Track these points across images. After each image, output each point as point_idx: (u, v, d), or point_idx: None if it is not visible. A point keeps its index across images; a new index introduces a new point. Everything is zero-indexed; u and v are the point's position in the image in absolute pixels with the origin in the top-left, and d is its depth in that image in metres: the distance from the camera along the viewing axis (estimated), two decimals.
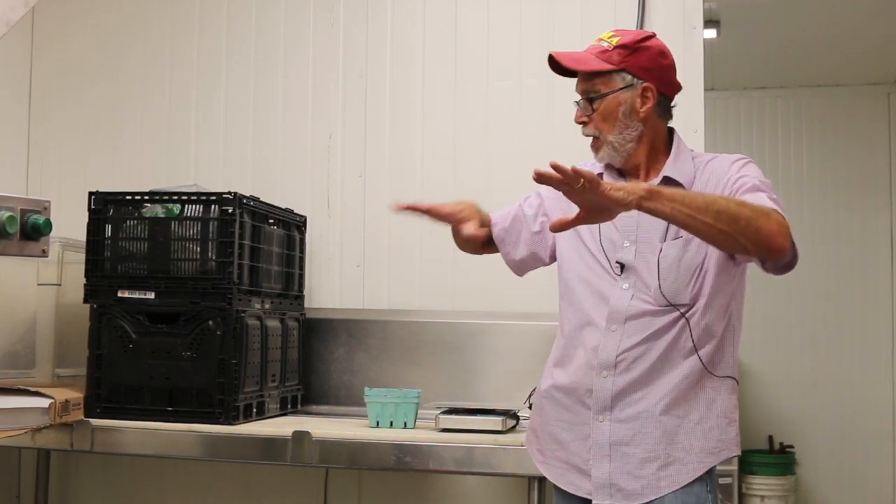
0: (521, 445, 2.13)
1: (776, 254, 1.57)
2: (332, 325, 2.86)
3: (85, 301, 2.46)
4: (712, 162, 1.79)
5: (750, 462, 5.00)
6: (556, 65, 1.82)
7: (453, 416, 2.32)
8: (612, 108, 1.77)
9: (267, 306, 2.59)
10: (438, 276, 2.88)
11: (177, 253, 2.43)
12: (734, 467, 4.82)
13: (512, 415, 2.35)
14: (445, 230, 2.89)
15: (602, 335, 1.75)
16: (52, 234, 2.05)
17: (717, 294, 1.72)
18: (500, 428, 2.26)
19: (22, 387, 2.32)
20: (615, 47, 1.76)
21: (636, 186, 1.51)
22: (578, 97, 1.83)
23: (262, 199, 2.61)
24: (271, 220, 2.70)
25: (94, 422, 2.36)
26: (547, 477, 1.85)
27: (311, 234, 2.93)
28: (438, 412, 2.35)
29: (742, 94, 5.30)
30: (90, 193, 2.50)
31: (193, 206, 2.45)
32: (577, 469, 1.77)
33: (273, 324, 2.63)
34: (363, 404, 2.44)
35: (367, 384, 2.59)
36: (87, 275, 2.46)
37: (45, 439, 2.35)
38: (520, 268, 2.00)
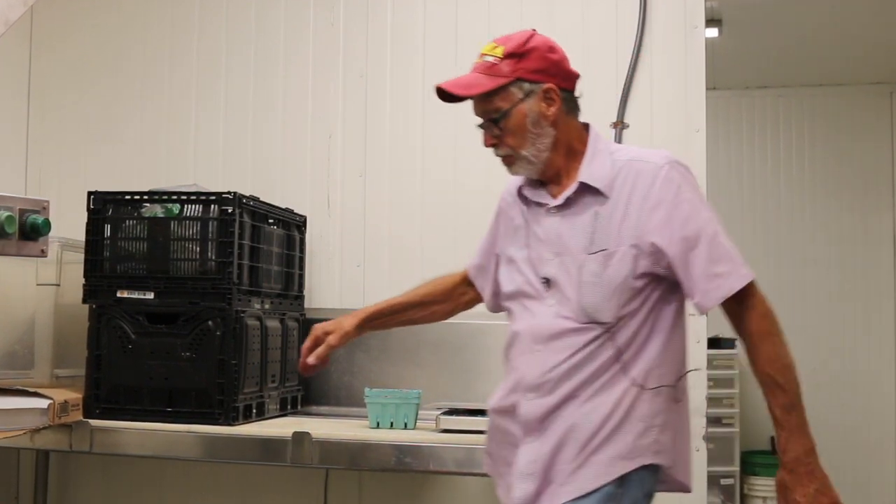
0: None
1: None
2: None
3: (84, 301, 2.45)
4: (636, 164, 1.67)
5: (752, 463, 4.99)
6: (445, 94, 1.73)
7: (454, 417, 2.31)
8: (518, 122, 1.67)
9: (267, 306, 2.58)
10: None
11: (176, 253, 2.43)
12: (735, 468, 4.83)
13: None
14: (446, 230, 2.91)
15: (527, 356, 1.68)
16: (51, 234, 2.04)
17: (645, 309, 1.64)
18: None
19: (21, 387, 2.32)
20: (503, 58, 1.67)
21: (808, 480, 1.54)
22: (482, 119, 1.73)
23: (261, 198, 2.61)
24: (271, 220, 2.69)
25: (93, 422, 2.35)
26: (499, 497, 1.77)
27: (311, 234, 2.92)
28: (439, 413, 2.34)
29: (744, 93, 5.29)
30: (89, 193, 2.49)
31: (193, 206, 2.44)
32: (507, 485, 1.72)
33: (273, 324, 2.62)
34: (363, 405, 2.43)
35: (368, 385, 2.58)
36: (86, 275, 2.45)
37: (43, 440, 2.34)
38: (492, 305, 1.91)
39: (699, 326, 2.69)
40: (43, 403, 2.23)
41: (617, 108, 2.79)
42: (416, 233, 2.91)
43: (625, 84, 2.79)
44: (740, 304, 1.62)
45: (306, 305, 2.87)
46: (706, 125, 2.75)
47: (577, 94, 1.74)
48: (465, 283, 1.98)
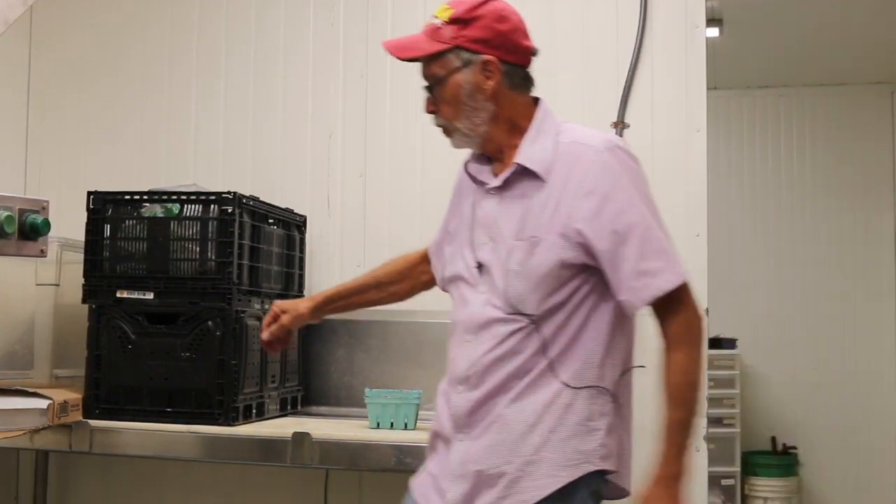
0: None
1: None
2: (333, 325, 2.84)
3: (84, 301, 2.44)
4: (575, 148, 1.56)
5: (753, 463, 4.99)
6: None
7: None
8: (453, 93, 1.58)
9: (267, 306, 2.57)
10: None
11: (176, 253, 2.42)
12: (736, 468, 4.83)
13: None
14: None
15: (460, 346, 1.60)
16: (50, 234, 2.04)
17: (574, 303, 1.54)
18: None
19: (20, 388, 2.31)
20: (447, 22, 1.58)
21: (667, 502, 1.47)
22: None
23: (261, 198, 2.60)
24: (271, 220, 2.68)
25: (93, 423, 2.34)
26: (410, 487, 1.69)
27: (311, 233, 2.92)
28: None
29: (745, 93, 5.29)
30: (89, 193, 2.49)
31: (193, 206, 2.44)
32: (437, 489, 1.63)
33: None
34: (363, 405, 2.43)
35: (368, 385, 2.58)
36: (85, 275, 2.45)
37: (43, 440, 2.34)
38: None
39: None
40: (42, 404, 2.22)
41: (617, 108, 2.78)
42: (416, 233, 2.88)
43: (625, 84, 2.79)
44: (667, 307, 1.52)
45: None
46: (707, 125, 2.74)
47: (529, 68, 1.63)
48: (425, 261, 1.88)
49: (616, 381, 1.60)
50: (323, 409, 2.80)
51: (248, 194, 2.50)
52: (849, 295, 5.13)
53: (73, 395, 2.35)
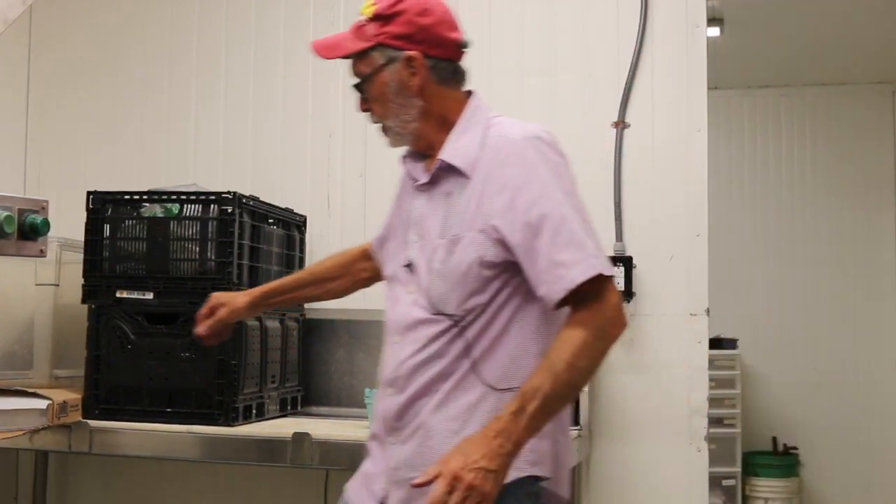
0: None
1: (623, 331, 1.44)
2: (333, 325, 2.84)
3: (83, 301, 2.44)
4: (497, 141, 1.52)
5: (754, 464, 4.98)
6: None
7: None
8: (380, 90, 1.55)
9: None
10: None
11: (176, 253, 2.42)
12: (737, 469, 4.82)
13: None
14: None
15: (389, 347, 1.57)
16: (50, 234, 2.03)
17: (498, 303, 1.49)
18: None
19: (20, 388, 2.31)
20: (370, 19, 1.54)
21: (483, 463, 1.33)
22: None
23: (261, 198, 2.60)
24: (271, 220, 2.68)
25: (93, 423, 2.34)
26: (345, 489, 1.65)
27: (311, 234, 2.91)
28: None
29: (746, 92, 5.29)
30: (89, 193, 2.48)
31: (192, 206, 2.43)
32: (370, 490, 1.59)
33: (273, 324, 2.61)
34: (364, 405, 2.41)
35: (368, 385, 2.56)
36: (85, 275, 2.45)
37: (43, 441, 2.33)
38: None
39: (701, 327, 2.69)
40: (42, 404, 2.22)
41: (618, 108, 2.78)
42: None
43: (626, 83, 2.78)
44: (584, 300, 1.43)
45: (306, 305, 2.85)
46: (708, 125, 2.74)
47: (460, 61, 1.59)
48: (365, 257, 1.84)
49: None
50: (323, 409, 2.79)
51: (247, 194, 2.50)
52: (850, 295, 5.12)
53: (73, 396, 2.34)
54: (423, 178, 1.58)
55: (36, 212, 2.00)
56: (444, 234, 1.52)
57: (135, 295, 2.41)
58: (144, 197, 2.48)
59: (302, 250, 2.85)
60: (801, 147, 5.29)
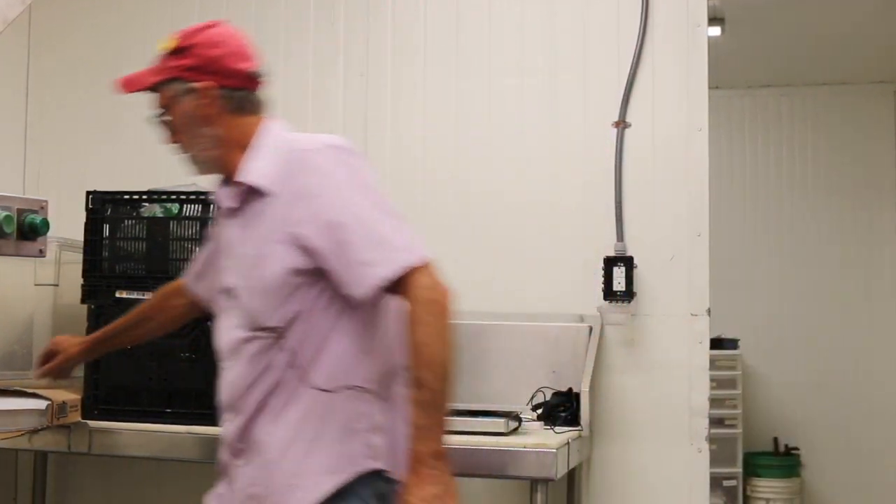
0: (524, 448, 2.12)
1: (453, 302, 1.48)
2: None
3: (83, 301, 2.43)
4: (293, 155, 1.57)
5: (755, 464, 4.97)
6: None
7: (455, 418, 2.23)
8: (179, 121, 1.64)
9: None
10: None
11: (175, 253, 2.41)
12: (738, 469, 4.82)
13: (514, 416, 2.32)
14: (446, 230, 2.89)
15: (223, 374, 1.61)
16: (49, 234, 2.05)
17: (318, 308, 1.53)
18: (503, 430, 2.23)
19: (19, 388, 2.30)
20: (167, 53, 1.64)
21: (430, 482, 1.41)
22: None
23: None
24: None
25: (92, 423, 2.33)
26: None
27: None
28: None
29: (747, 92, 5.28)
30: (88, 193, 2.47)
31: (192, 206, 2.42)
32: None
33: None
34: None
35: None
36: (84, 275, 2.43)
37: (42, 441, 2.33)
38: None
39: (702, 327, 2.68)
40: (41, 404, 2.21)
41: (619, 108, 2.78)
42: (416, 232, 2.89)
43: (626, 83, 2.78)
44: (404, 293, 1.48)
45: None
46: (709, 124, 2.73)
47: (254, 89, 1.66)
48: (178, 294, 1.91)
49: (379, 380, 1.56)
50: None
51: None
52: (851, 295, 5.11)
53: (72, 396, 2.33)
54: (231, 204, 1.62)
55: (35, 212, 2.00)
56: (253, 251, 1.56)
57: (134, 295, 2.40)
58: (144, 197, 2.47)
59: None
60: (801, 147, 5.29)
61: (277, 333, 1.53)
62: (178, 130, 1.66)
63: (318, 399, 1.52)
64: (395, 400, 1.56)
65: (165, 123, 1.67)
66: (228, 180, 1.64)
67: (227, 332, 1.61)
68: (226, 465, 1.64)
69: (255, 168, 1.59)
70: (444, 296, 1.48)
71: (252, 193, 1.58)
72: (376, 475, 1.53)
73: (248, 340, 1.56)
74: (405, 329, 1.47)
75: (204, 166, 1.67)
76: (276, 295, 1.53)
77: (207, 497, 1.70)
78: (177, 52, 1.65)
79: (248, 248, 1.57)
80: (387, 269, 1.47)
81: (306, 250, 1.51)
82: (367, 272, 1.47)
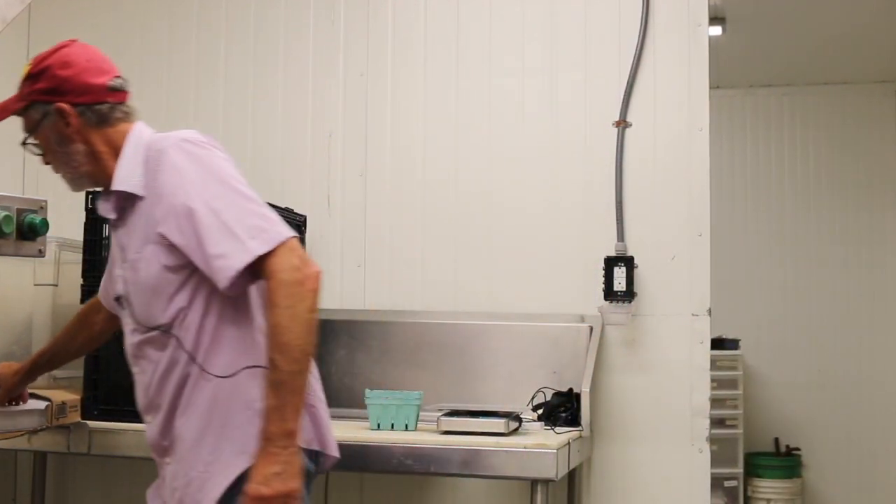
0: (524, 448, 2.12)
1: (315, 281, 1.51)
2: (333, 326, 2.83)
3: (82, 302, 2.41)
4: (152, 155, 1.61)
5: (756, 465, 4.96)
6: None
7: (455, 419, 2.28)
8: (45, 144, 1.69)
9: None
10: (440, 277, 2.85)
11: None
12: (739, 470, 4.81)
13: (515, 417, 2.32)
14: (447, 230, 2.89)
15: (136, 379, 1.68)
16: (48, 234, 2.03)
17: (201, 301, 1.58)
18: (503, 430, 2.23)
19: None
20: (25, 79, 1.68)
21: (273, 461, 1.45)
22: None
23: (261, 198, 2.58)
24: None
25: (92, 424, 2.32)
26: None
27: (311, 233, 2.89)
28: (440, 414, 2.31)
29: (748, 92, 5.28)
30: (87, 192, 2.46)
31: None
32: (162, 499, 1.70)
33: None
34: (364, 406, 2.40)
35: (368, 386, 2.55)
36: (84, 275, 2.42)
37: (41, 442, 2.32)
38: None
39: (703, 327, 2.68)
40: (41, 405, 2.20)
41: (619, 107, 2.77)
42: (417, 233, 2.89)
43: (627, 82, 2.77)
44: (267, 276, 1.50)
45: None
46: (710, 124, 2.73)
47: (115, 101, 1.69)
48: (97, 309, 1.96)
49: (253, 356, 1.59)
50: None
51: None
52: (853, 295, 5.11)
53: (72, 396, 2.32)
54: (112, 214, 1.68)
55: (35, 212, 1.99)
56: (133, 255, 1.62)
57: None
58: None
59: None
60: (803, 146, 5.28)
61: (169, 331, 1.59)
62: (47, 152, 1.70)
63: (221, 386, 1.57)
64: None
65: (35, 146, 1.71)
66: (108, 191, 1.69)
67: (128, 337, 1.67)
68: (158, 464, 1.70)
69: (123, 175, 1.64)
70: (307, 277, 1.50)
71: (127, 200, 1.64)
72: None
73: (145, 343, 1.62)
74: (267, 308, 1.51)
75: (79, 183, 1.73)
76: (159, 294, 1.58)
77: (149, 490, 1.75)
78: (32, 77, 1.67)
79: (131, 254, 1.63)
80: (237, 261, 1.50)
81: (173, 247, 1.57)
82: (221, 265, 1.51)
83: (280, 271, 1.49)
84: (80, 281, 2.43)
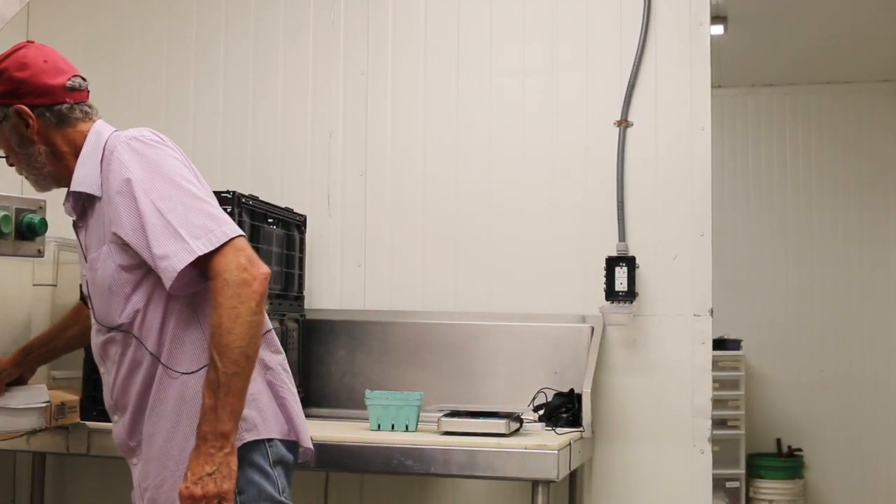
0: (525, 449, 2.11)
1: (262, 282, 1.50)
2: (333, 326, 2.82)
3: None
4: (106, 156, 1.63)
5: (758, 466, 4.96)
6: None
7: (456, 419, 2.27)
8: (7, 146, 1.71)
9: (266, 307, 2.54)
10: (441, 277, 2.84)
11: None
12: (741, 471, 4.80)
13: (516, 417, 2.31)
14: (447, 230, 2.88)
15: (103, 380, 1.70)
16: (47, 234, 2.03)
17: (159, 300, 1.59)
18: (503, 431, 2.22)
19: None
20: None
21: (207, 460, 1.46)
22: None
23: (261, 197, 2.57)
24: (270, 220, 2.65)
25: (91, 424, 2.31)
26: None
27: (311, 233, 2.89)
28: (441, 415, 2.30)
29: (750, 91, 5.27)
30: None
31: None
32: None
33: (272, 325, 2.57)
34: (364, 407, 2.39)
35: (368, 386, 2.55)
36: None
37: (40, 443, 2.31)
38: None
39: (704, 327, 2.67)
40: (41, 397, 2.19)
41: (621, 107, 2.76)
42: (417, 232, 2.88)
43: (629, 82, 2.76)
44: (211, 275, 1.51)
45: (306, 306, 2.84)
46: (711, 124, 2.72)
47: (74, 101, 1.70)
48: (85, 305, 1.95)
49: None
50: (323, 410, 2.77)
51: (246, 193, 2.47)
52: (855, 295, 5.10)
53: (71, 397, 2.31)
54: (73, 215, 1.71)
55: (33, 211, 1.99)
56: (92, 254, 1.64)
57: None
58: None
59: (302, 250, 2.83)
60: (805, 146, 5.27)
61: (128, 330, 1.60)
62: (9, 154, 1.72)
63: (186, 384, 1.58)
64: (264, 366, 1.63)
65: None
66: (69, 192, 1.71)
67: (93, 338, 1.69)
68: (129, 464, 1.72)
69: (80, 176, 1.65)
70: (253, 278, 1.51)
71: (87, 200, 1.65)
72: (261, 444, 1.59)
73: (108, 343, 1.64)
74: (211, 307, 1.51)
75: (43, 184, 1.75)
76: (116, 294, 1.60)
77: (133, 492, 1.74)
78: None
79: (90, 253, 1.65)
80: (179, 261, 1.51)
81: (126, 247, 1.58)
82: (165, 266, 1.52)
83: (224, 271, 1.49)
84: (79, 281, 2.42)
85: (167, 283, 1.52)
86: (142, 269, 1.58)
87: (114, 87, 3.16)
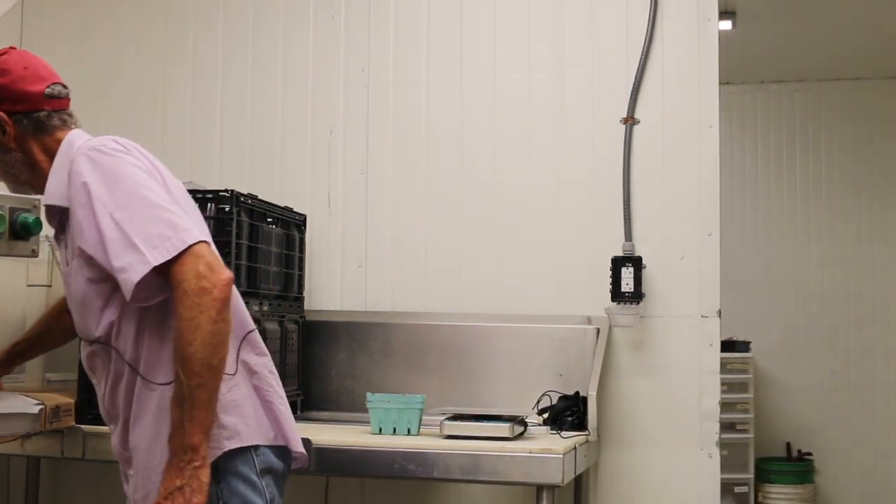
0: (530, 453, 2.10)
1: (222, 289, 1.46)
2: (333, 327, 2.81)
3: None
4: (70, 167, 1.60)
5: (767, 470, 4.92)
6: None
7: (459, 423, 2.26)
8: None
9: (265, 308, 2.53)
10: (443, 278, 2.83)
11: None
12: (750, 475, 4.75)
13: (520, 421, 2.29)
14: (449, 229, 2.85)
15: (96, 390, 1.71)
16: (42, 234, 2.00)
17: (133, 313, 1.57)
18: (507, 434, 2.20)
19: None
20: None
21: (177, 475, 1.44)
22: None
23: (260, 196, 2.55)
24: (270, 219, 2.64)
25: (86, 428, 2.29)
26: None
27: (311, 233, 2.87)
28: (443, 418, 2.28)
29: (758, 87, 5.24)
30: None
31: None
32: None
33: (272, 326, 2.56)
34: (365, 410, 2.38)
35: (370, 389, 2.53)
36: None
37: (34, 446, 2.30)
38: None
39: (712, 329, 2.65)
40: (34, 409, 2.16)
41: (627, 104, 2.74)
42: (419, 232, 2.86)
43: (635, 78, 2.75)
44: (174, 285, 1.49)
45: (306, 307, 2.82)
46: (719, 121, 2.70)
47: (53, 108, 1.68)
48: (67, 310, 1.94)
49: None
50: (324, 413, 2.75)
51: (246, 192, 2.46)
52: (866, 296, 5.06)
53: (66, 400, 2.30)
54: (52, 227, 1.68)
55: (28, 211, 1.97)
56: (65, 268, 1.63)
57: None
58: None
59: (302, 250, 2.81)
60: (815, 143, 5.23)
61: (106, 343, 1.59)
62: None
63: (164, 395, 1.54)
64: (253, 375, 1.62)
65: None
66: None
67: (81, 349, 1.68)
68: (122, 474, 1.71)
69: (50, 188, 1.63)
70: (213, 285, 1.47)
71: (62, 213, 1.62)
72: (246, 452, 1.57)
73: (93, 355, 1.63)
74: (174, 317, 1.49)
75: (22, 191, 1.74)
76: (89, 308, 1.59)
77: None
78: None
79: (64, 267, 1.65)
80: (135, 273, 1.48)
81: (92, 260, 1.55)
82: (123, 278, 1.49)
83: (183, 281, 1.47)
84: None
85: (127, 295, 1.50)
86: (110, 282, 1.55)
87: (111, 84, 3.15)
